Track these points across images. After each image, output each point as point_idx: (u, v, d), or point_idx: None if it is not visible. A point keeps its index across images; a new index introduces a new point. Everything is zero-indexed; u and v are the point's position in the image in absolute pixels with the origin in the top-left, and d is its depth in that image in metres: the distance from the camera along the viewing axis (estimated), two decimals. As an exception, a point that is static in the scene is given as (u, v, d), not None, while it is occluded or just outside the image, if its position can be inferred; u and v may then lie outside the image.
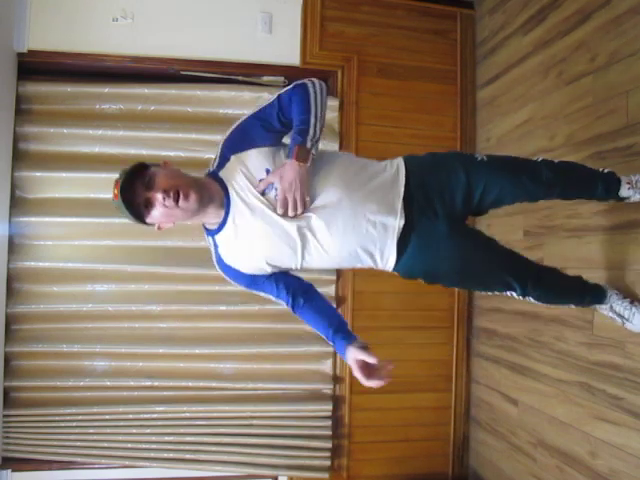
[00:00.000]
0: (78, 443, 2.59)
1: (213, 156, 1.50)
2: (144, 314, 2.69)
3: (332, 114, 2.81)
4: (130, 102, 2.70)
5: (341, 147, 2.79)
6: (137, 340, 2.66)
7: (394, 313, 2.88)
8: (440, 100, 2.98)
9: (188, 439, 2.64)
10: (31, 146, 2.61)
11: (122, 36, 2.64)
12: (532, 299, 1.64)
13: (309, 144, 1.38)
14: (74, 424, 2.60)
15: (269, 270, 1.49)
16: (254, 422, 2.69)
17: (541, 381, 2.35)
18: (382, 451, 2.87)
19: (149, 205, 1.35)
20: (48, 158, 2.61)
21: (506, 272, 1.57)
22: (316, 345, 2.76)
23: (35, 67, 2.61)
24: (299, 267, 1.49)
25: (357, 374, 1.37)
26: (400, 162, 1.52)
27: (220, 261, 1.52)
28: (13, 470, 2.59)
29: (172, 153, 2.65)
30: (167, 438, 2.64)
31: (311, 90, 1.43)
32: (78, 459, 2.60)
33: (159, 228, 1.45)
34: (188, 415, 2.65)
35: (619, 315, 1.77)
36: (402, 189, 1.46)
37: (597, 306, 1.84)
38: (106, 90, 2.67)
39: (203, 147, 2.67)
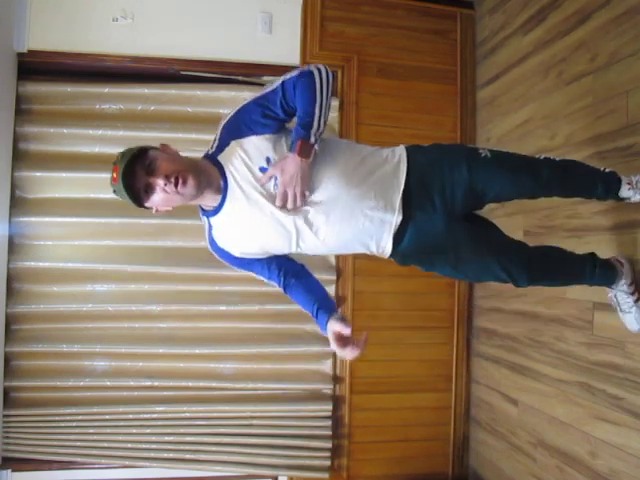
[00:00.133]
0: (78, 443, 2.59)
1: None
2: (144, 314, 2.69)
3: (332, 114, 2.80)
4: (130, 102, 2.70)
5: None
6: (137, 340, 2.66)
7: (394, 313, 2.88)
8: (440, 100, 2.98)
9: (188, 439, 2.64)
10: (31, 146, 2.61)
11: (122, 36, 2.65)
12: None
13: (312, 139, 1.36)
14: (74, 424, 2.60)
15: (262, 256, 1.51)
16: (254, 422, 2.69)
17: (541, 381, 2.35)
18: (382, 451, 2.87)
19: (149, 190, 1.34)
20: (48, 158, 2.61)
21: (500, 267, 1.57)
22: (316, 345, 2.76)
23: (35, 67, 2.61)
24: (293, 253, 1.51)
25: (333, 345, 1.36)
26: (402, 153, 1.50)
27: (213, 242, 1.53)
28: (13, 470, 2.59)
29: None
30: (167, 438, 2.64)
31: (317, 79, 1.38)
32: (78, 459, 2.60)
33: (157, 211, 1.44)
34: (188, 415, 2.65)
35: (618, 304, 1.78)
36: (402, 183, 1.45)
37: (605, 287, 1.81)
38: (106, 90, 2.67)
39: (203, 147, 2.62)
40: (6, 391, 2.55)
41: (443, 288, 2.95)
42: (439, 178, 1.48)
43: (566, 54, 2.28)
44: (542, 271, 1.64)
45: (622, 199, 1.70)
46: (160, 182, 1.32)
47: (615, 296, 1.78)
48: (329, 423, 2.75)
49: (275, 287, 1.57)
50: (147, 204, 1.38)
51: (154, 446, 2.63)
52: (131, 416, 2.62)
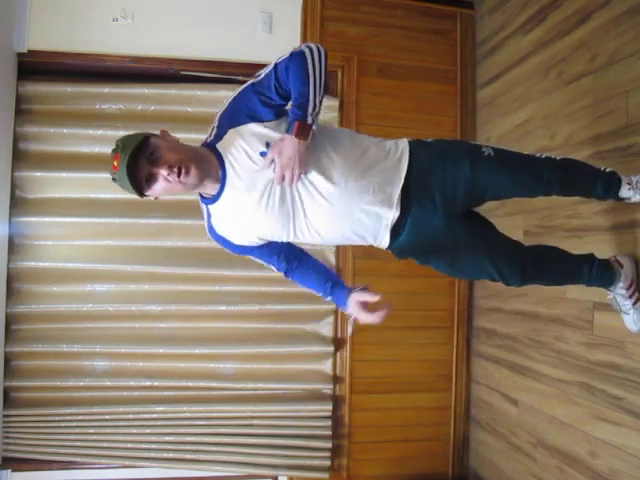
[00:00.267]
0: (78, 443, 2.59)
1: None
2: (144, 314, 2.69)
3: (332, 114, 2.81)
4: (130, 102, 2.70)
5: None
6: (137, 340, 2.66)
7: (394, 313, 2.80)
8: (440, 100, 2.98)
9: (188, 439, 2.64)
10: (31, 146, 2.61)
11: (122, 36, 2.65)
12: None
13: (309, 119, 1.33)
14: (74, 424, 2.60)
15: (260, 243, 1.52)
16: (254, 422, 2.69)
17: (541, 381, 2.35)
18: (382, 451, 2.87)
19: (151, 179, 1.33)
20: (48, 158, 2.61)
21: (493, 266, 1.58)
22: (316, 345, 2.76)
23: (35, 67, 2.61)
24: (290, 241, 1.52)
25: (360, 315, 1.48)
26: (405, 148, 1.49)
27: (212, 230, 1.53)
28: (13, 470, 2.59)
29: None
30: (167, 438, 2.64)
31: (309, 58, 1.36)
32: (78, 459, 2.60)
33: (156, 198, 1.43)
34: (188, 415, 2.65)
35: (618, 306, 1.78)
36: (402, 179, 1.44)
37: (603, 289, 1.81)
38: (106, 90, 2.67)
39: (203, 147, 2.66)
40: (6, 391, 2.55)
41: (443, 288, 2.95)
42: (441, 175, 1.48)
43: (566, 54, 2.27)
44: (537, 272, 1.65)
45: (622, 199, 1.71)
46: (163, 172, 1.32)
47: (614, 298, 1.78)
48: (329, 423, 2.75)
49: (274, 271, 1.59)
50: (147, 193, 1.37)
51: (154, 446, 2.63)
52: (131, 416, 2.62)
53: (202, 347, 2.68)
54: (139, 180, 1.32)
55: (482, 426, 2.86)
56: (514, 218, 2.56)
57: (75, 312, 2.63)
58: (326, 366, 2.79)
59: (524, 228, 2.51)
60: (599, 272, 1.71)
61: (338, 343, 2.81)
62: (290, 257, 1.56)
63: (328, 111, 2.77)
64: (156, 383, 2.65)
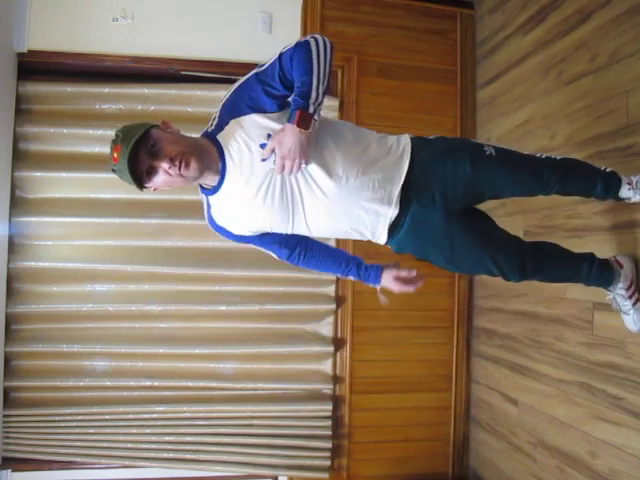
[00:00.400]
0: (78, 443, 2.59)
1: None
2: (144, 314, 2.69)
3: (332, 114, 2.81)
4: (130, 102, 2.70)
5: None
6: (137, 340, 2.66)
7: (394, 313, 2.87)
8: (440, 100, 2.98)
9: (188, 439, 2.64)
10: (31, 146, 2.61)
11: (122, 36, 2.65)
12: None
13: (311, 108, 1.31)
14: (74, 424, 2.60)
15: (260, 233, 1.52)
16: (254, 422, 2.69)
17: (541, 381, 2.35)
18: (382, 451, 2.87)
19: (152, 172, 1.32)
20: (48, 158, 2.61)
21: (492, 262, 1.57)
22: (316, 345, 2.76)
23: (35, 67, 2.61)
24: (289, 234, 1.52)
25: (395, 288, 1.55)
26: (407, 145, 1.49)
27: (211, 220, 1.53)
28: (13, 470, 2.59)
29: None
30: (167, 438, 2.64)
31: (314, 48, 1.34)
32: (78, 459, 2.60)
33: (155, 190, 1.42)
34: (188, 415, 2.65)
35: (617, 306, 1.78)
36: (403, 177, 1.44)
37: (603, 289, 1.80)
38: (106, 90, 2.67)
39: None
40: (6, 391, 2.55)
41: (443, 288, 2.95)
42: (441, 173, 1.48)
43: (566, 54, 2.28)
44: (536, 267, 1.64)
45: (622, 199, 1.71)
46: (164, 165, 1.31)
47: (614, 298, 1.78)
48: (329, 423, 2.75)
49: (274, 258, 1.60)
50: (147, 185, 1.36)
51: (154, 446, 2.62)
52: (131, 416, 2.62)
53: (202, 347, 2.68)
54: (140, 173, 1.31)
55: (482, 426, 2.86)
56: (514, 218, 2.56)
57: (75, 312, 2.63)
58: (326, 366, 2.79)
59: (524, 228, 2.51)
60: (598, 271, 1.71)
61: (338, 343, 2.81)
62: (291, 244, 1.55)
63: (328, 111, 2.77)
64: (156, 383, 2.65)
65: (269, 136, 1.36)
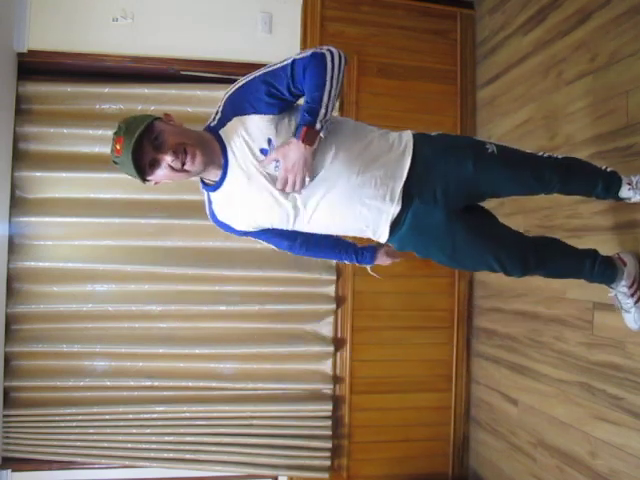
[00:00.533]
0: (78, 443, 2.59)
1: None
2: (144, 314, 2.69)
3: (332, 114, 2.80)
4: (130, 102, 2.69)
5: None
6: (137, 340, 2.66)
7: (394, 313, 2.88)
8: (440, 100, 2.98)
9: (188, 439, 2.64)
10: (31, 146, 2.61)
11: (122, 36, 2.65)
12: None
13: (318, 125, 1.32)
14: (74, 424, 2.60)
15: (261, 229, 1.53)
16: (254, 422, 2.69)
17: (541, 381, 2.35)
18: (382, 451, 2.87)
19: (154, 165, 1.31)
20: (48, 158, 2.61)
21: (494, 259, 1.57)
22: (316, 345, 2.76)
23: (35, 67, 2.61)
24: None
25: (389, 261, 1.72)
26: (409, 141, 1.48)
27: (213, 215, 1.53)
28: (13, 470, 2.59)
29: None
30: (167, 438, 2.64)
31: (329, 65, 1.33)
32: (78, 459, 2.60)
33: (156, 183, 1.41)
34: (188, 415, 2.65)
35: (619, 303, 1.77)
36: (405, 174, 1.43)
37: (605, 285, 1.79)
38: (106, 90, 2.67)
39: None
40: (6, 391, 2.55)
41: (443, 288, 2.95)
42: (443, 171, 1.47)
43: (566, 54, 2.27)
44: (538, 263, 1.63)
45: (622, 199, 1.71)
46: (168, 158, 1.30)
47: (616, 296, 1.78)
48: (329, 423, 2.75)
49: (275, 249, 1.64)
50: (149, 178, 1.35)
51: (154, 446, 2.63)
52: (131, 416, 2.62)
53: (202, 347, 2.68)
54: (143, 165, 1.30)
55: (482, 426, 2.86)
56: (514, 218, 2.56)
57: (75, 312, 2.63)
58: (326, 366, 2.79)
59: (524, 228, 2.51)
60: (601, 268, 1.70)
61: (338, 343, 2.81)
62: (292, 235, 1.56)
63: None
64: (156, 383, 2.65)
65: (269, 141, 1.36)
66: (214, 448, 2.64)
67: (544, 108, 2.42)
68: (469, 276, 2.98)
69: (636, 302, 1.74)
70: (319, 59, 1.34)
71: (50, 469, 2.61)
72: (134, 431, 2.62)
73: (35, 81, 2.62)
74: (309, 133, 1.31)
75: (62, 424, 2.59)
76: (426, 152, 1.48)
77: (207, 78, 2.74)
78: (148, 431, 2.63)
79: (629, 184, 1.67)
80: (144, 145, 1.27)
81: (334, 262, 2.81)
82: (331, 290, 2.81)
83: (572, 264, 1.70)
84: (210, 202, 1.51)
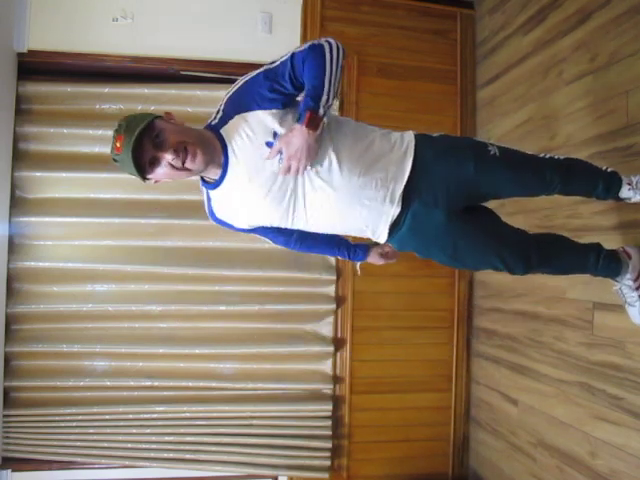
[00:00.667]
0: (78, 443, 2.59)
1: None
2: (144, 314, 2.69)
3: (332, 114, 2.80)
4: (130, 102, 2.69)
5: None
6: (137, 340, 2.66)
7: (394, 313, 2.88)
8: (440, 100, 2.98)
9: (188, 439, 2.64)
10: (31, 146, 2.61)
11: (122, 36, 2.64)
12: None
13: (321, 110, 1.33)
14: (74, 424, 2.60)
15: (259, 226, 1.54)
16: (254, 422, 2.69)
17: (541, 381, 2.35)
18: (382, 451, 2.87)
19: (155, 163, 1.31)
20: (48, 158, 2.61)
21: (497, 258, 1.57)
22: (316, 345, 2.76)
23: (35, 67, 2.61)
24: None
25: (379, 262, 1.73)
26: (411, 142, 1.48)
27: (212, 213, 1.54)
28: (13, 470, 2.59)
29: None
30: (167, 438, 2.64)
31: (327, 55, 1.35)
32: (78, 459, 2.60)
33: (156, 182, 1.40)
34: (188, 415, 2.65)
35: (623, 297, 1.76)
36: (406, 176, 1.43)
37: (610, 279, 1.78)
38: (106, 90, 2.67)
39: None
40: (6, 391, 2.55)
41: (443, 288, 2.95)
42: (444, 172, 1.47)
43: (566, 54, 2.27)
44: (541, 260, 1.62)
45: (622, 199, 1.70)
46: (168, 157, 1.29)
47: (620, 289, 1.77)
48: (329, 423, 2.75)
49: (270, 243, 1.65)
50: (150, 176, 1.35)
51: (154, 446, 2.63)
52: (131, 416, 2.62)
53: (202, 347, 2.68)
54: (143, 164, 1.29)
55: (482, 426, 2.86)
56: (514, 218, 2.54)
57: (75, 312, 2.63)
58: (326, 366, 2.79)
59: (524, 228, 2.50)
60: (605, 262, 1.69)
61: (338, 343, 2.81)
62: (289, 231, 1.56)
63: (328, 111, 2.77)
64: (156, 383, 2.65)
65: (275, 134, 1.35)
66: (214, 448, 2.64)
67: (544, 108, 2.42)
68: (469, 276, 2.98)
69: None
70: (318, 50, 1.35)
71: (50, 469, 2.61)
72: (134, 431, 2.62)
73: (35, 81, 2.62)
74: (312, 118, 1.31)
75: (62, 424, 2.59)
76: (427, 153, 1.47)
77: (207, 78, 2.74)
78: (148, 431, 2.63)
79: (629, 184, 1.66)
80: (144, 143, 1.27)
81: (334, 262, 2.82)
82: (331, 290, 2.81)
83: (576, 259, 1.70)
84: (209, 200, 1.51)
